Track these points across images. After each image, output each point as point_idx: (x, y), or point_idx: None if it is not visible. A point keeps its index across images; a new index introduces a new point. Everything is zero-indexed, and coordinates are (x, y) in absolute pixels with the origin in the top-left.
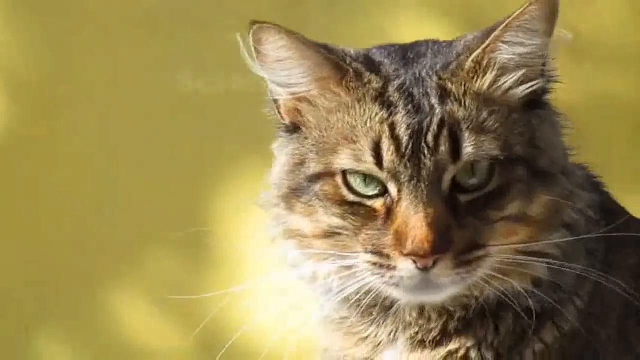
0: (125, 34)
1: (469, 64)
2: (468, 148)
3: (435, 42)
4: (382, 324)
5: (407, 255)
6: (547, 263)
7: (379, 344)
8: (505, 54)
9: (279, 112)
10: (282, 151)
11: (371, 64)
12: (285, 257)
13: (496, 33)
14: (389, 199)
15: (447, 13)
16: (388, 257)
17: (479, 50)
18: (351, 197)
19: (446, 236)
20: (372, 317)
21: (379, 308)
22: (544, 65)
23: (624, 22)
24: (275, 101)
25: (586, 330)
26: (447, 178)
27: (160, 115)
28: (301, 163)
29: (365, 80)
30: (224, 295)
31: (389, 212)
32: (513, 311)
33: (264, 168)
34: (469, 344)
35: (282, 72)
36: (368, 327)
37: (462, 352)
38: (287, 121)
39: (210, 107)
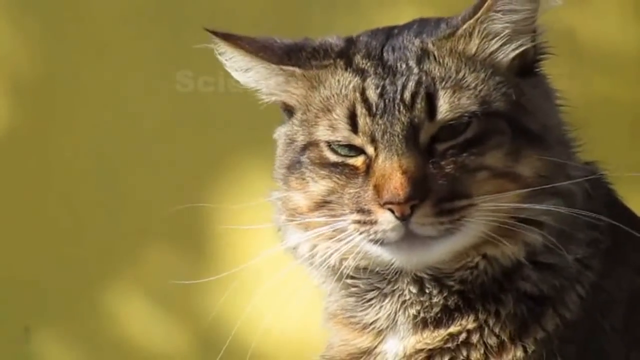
0: (125, 33)
1: (460, 31)
2: (444, 106)
3: (426, 18)
4: (381, 306)
5: (385, 204)
6: (542, 235)
7: (380, 331)
8: (496, 22)
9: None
10: (280, 135)
11: (344, 47)
12: (287, 239)
13: (489, 3)
14: (367, 158)
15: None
16: (369, 212)
17: (472, 21)
18: (334, 158)
19: (423, 184)
20: (370, 301)
21: (376, 291)
22: (534, 31)
23: (623, 22)
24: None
25: (589, 320)
26: (424, 135)
27: (160, 115)
28: (292, 141)
29: (327, 63)
30: (224, 294)
31: (369, 169)
32: (513, 295)
33: (264, 167)
34: (470, 327)
35: (250, 76)
36: (367, 312)
37: (463, 336)
38: (281, 105)
39: (210, 107)
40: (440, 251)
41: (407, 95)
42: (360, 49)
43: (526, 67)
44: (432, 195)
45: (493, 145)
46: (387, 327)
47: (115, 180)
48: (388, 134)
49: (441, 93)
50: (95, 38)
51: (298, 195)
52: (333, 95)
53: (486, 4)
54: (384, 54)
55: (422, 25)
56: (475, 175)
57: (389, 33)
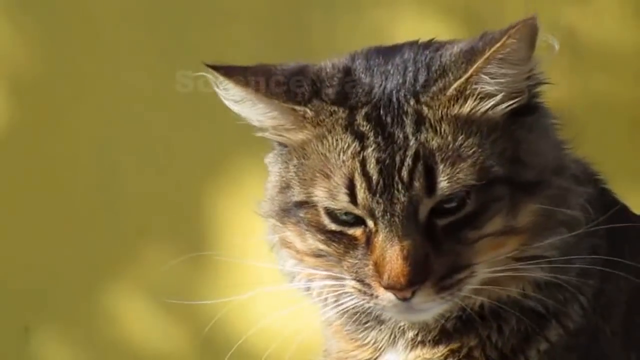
0: (125, 33)
1: (450, 91)
2: (443, 182)
3: (420, 47)
4: (379, 330)
5: (385, 288)
6: (547, 262)
7: (380, 347)
8: (488, 85)
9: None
10: (273, 168)
11: (342, 86)
12: (283, 265)
13: (478, 65)
14: (367, 228)
15: (446, 12)
16: (369, 286)
17: (462, 80)
18: (333, 227)
19: (423, 266)
20: (369, 325)
21: (373, 318)
22: (528, 79)
23: (623, 22)
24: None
25: (591, 327)
26: (423, 210)
27: (160, 115)
28: (287, 187)
29: (329, 112)
30: (225, 296)
31: (369, 241)
32: (516, 312)
33: (264, 168)
34: (471, 343)
35: (247, 111)
36: (367, 335)
37: (464, 351)
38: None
39: (210, 107)
40: (437, 313)
41: (405, 173)
42: (357, 105)
43: (519, 112)
44: (433, 275)
45: (492, 214)
46: (387, 344)
47: (115, 180)
48: (388, 214)
49: (440, 167)
50: (95, 38)
51: (295, 238)
52: (332, 157)
53: (476, 65)
54: (384, 117)
55: (417, 64)
56: (475, 246)
57: (384, 71)
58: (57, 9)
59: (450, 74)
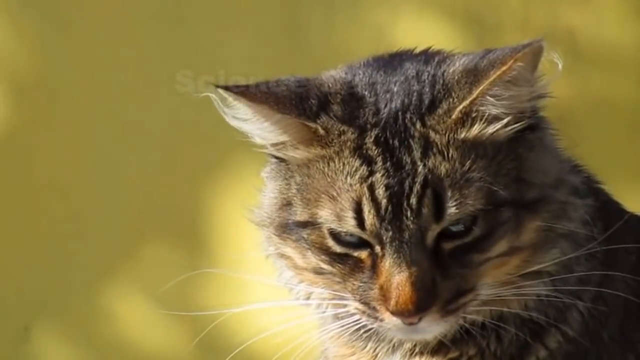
0: (125, 33)
1: (456, 114)
2: (451, 209)
3: (423, 61)
4: (378, 340)
5: (392, 314)
6: (549, 277)
7: (378, 355)
8: (493, 107)
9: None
10: (272, 183)
11: (348, 105)
12: (280, 275)
13: (483, 87)
14: (373, 252)
15: (446, 12)
16: (375, 309)
17: (467, 102)
18: (337, 249)
19: (430, 292)
20: (367, 334)
21: (373, 332)
22: (532, 100)
23: (623, 22)
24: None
25: (589, 333)
26: (431, 235)
27: (160, 115)
28: (288, 204)
29: (338, 132)
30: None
31: (374, 264)
32: (515, 322)
33: (263, 169)
34: (470, 352)
35: (254, 129)
36: (365, 344)
37: (464, 359)
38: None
39: (210, 107)
40: (440, 332)
41: (414, 200)
42: (366, 127)
43: (522, 132)
44: (439, 300)
45: (499, 237)
46: (385, 353)
47: (115, 180)
48: (396, 241)
49: (449, 193)
50: (95, 37)
51: (295, 254)
52: (339, 180)
53: (481, 88)
54: (391, 141)
55: (422, 81)
56: (479, 269)
57: (388, 90)
58: (57, 9)
59: (454, 95)
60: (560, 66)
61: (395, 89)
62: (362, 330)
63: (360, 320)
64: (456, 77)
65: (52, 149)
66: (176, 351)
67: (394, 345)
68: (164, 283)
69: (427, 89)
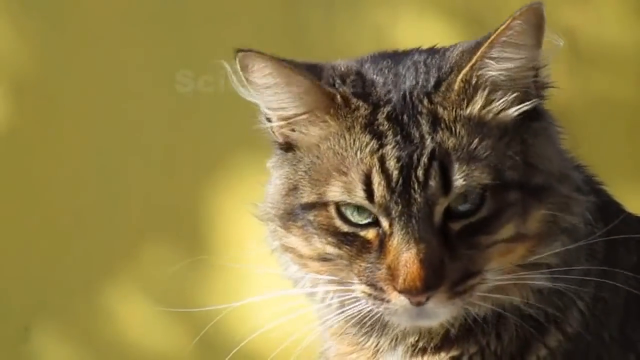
0: (125, 33)
1: (458, 84)
2: (458, 181)
3: (429, 52)
4: (382, 334)
5: (400, 292)
6: (549, 271)
7: (379, 350)
8: (493, 70)
9: (273, 132)
10: (278, 171)
11: (361, 85)
12: (285, 269)
13: (482, 49)
14: (381, 230)
15: (447, 12)
16: (382, 290)
17: (467, 68)
18: (345, 228)
19: (439, 271)
20: (370, 329)
21: (377, 323)
22: (535, 76)
23: (623, 22)
24: (269, 119)
25: (589, 332)
26: (438, 211)
27: (160, 115)
28: (295, 189)
29: (353, 106)
30: (223, 302)
31: (382, 244)
32: (516, 319)
33: (263, 168)
34: (471, 351)
35: (271, 97)
36: (367, 339)
37: (464, 359)
38: (281, 140)
39: (210, 107)
40: (445, 318)
41: (421, 172)
42: (379, 104)
43: (528, 116)
44: (447, 281)
45: (506, 220)
46: (387, 349)
47: (115, 179)
48: (405, 215)
49: (456, 165)
50: (95, 38)
51: (299, 242)
52: (349, 156)
53: (480, 51)
54: (401, 117)
55: (427, 65)
56: (487, 252)
57: (397, 73)
58: (57, 9)
59: (456, 69)
60: (560, 44)
61: (403, 73)
62: (366, 320)
63: (366, 307)
64: (459, 56)
65: (52, 148)
66: (176, 351)
67: (396, 340)
68: (164, 283)
69: (434, 71)
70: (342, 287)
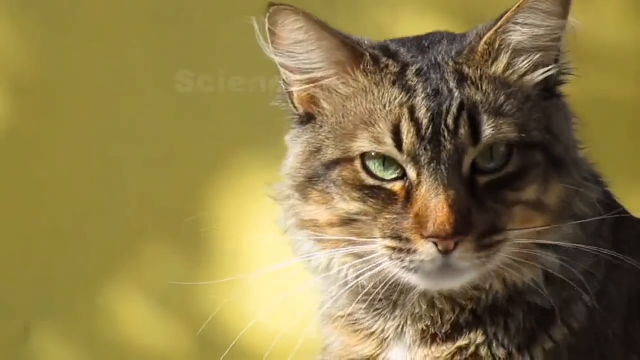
0: (125, 33)
1: (482, 46)
2: (487, 130)
3: (449, 32)
4: (390, 317)
5: (429, 237)
6: (559, 257)
7: (386, 339)
8: (517, 35)
9: (292, 103)
10: (297, 142)
11: (387, 51)
12: (299, 248)
13: (508, 15)
14: (408, 182)
15: (447, 12)
16: (408, 240)
17: (491, 32)
18: (370, 181)
19: (467, 219)
20: (380, 311)
21: (386, 301)
22: (558, 51)
23: (623, 22)
24: (289, 93)
25: (594, 327)
26: (467, 161)
27: (160, 115)
28: (317, 151)
29: (383, 64)
30: (226, 293)
31: (409, 195)
32: (523, 308)
33: (263, 167)
34: (479, 340)
35: (299, 55)
36: (375, 322)
37: (472, 349)
38: (301, 111)
39: (210, 107)
40: (468, 279)
41: (451, 120)
42: (408, 63)
43: (549, 89)
44: (475, 230)
45: (531, 179)
46: (394, 337)
47: (115, 180)
48: (435, 162)
49: (484, 117)
50: (95, 38)
51: (318, 209)
52: (377, 109)
53: (506, 16)
54: (429, 74)
55: (449, 40)
56: (512, 210)
57: (419, 45)
58: (57, 9)
59: (480, 35)
60: (576, 28)
61: (427, 45)
62: (375, 301)
63: (387, 266)
64: (482, 27)
65: (52, 148)
66: (176, 351)
67: (403, 327)
68: (164, 283)
69: (459, 42)
70: (363, 248)
